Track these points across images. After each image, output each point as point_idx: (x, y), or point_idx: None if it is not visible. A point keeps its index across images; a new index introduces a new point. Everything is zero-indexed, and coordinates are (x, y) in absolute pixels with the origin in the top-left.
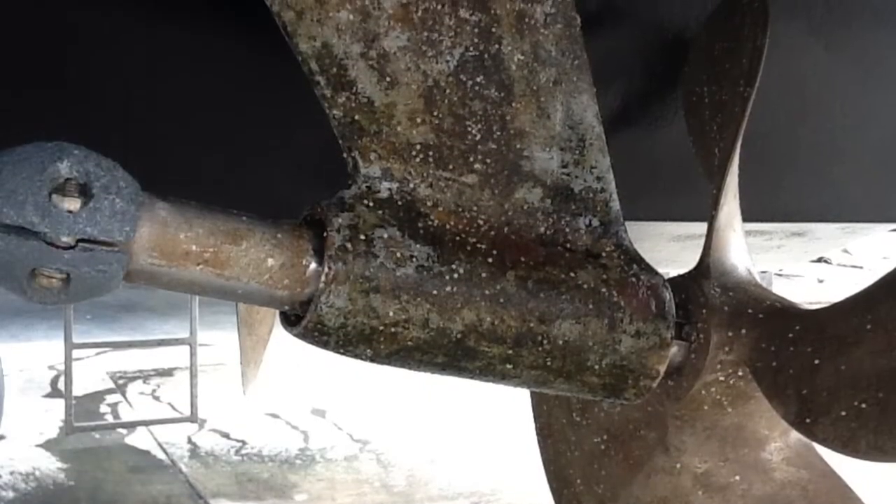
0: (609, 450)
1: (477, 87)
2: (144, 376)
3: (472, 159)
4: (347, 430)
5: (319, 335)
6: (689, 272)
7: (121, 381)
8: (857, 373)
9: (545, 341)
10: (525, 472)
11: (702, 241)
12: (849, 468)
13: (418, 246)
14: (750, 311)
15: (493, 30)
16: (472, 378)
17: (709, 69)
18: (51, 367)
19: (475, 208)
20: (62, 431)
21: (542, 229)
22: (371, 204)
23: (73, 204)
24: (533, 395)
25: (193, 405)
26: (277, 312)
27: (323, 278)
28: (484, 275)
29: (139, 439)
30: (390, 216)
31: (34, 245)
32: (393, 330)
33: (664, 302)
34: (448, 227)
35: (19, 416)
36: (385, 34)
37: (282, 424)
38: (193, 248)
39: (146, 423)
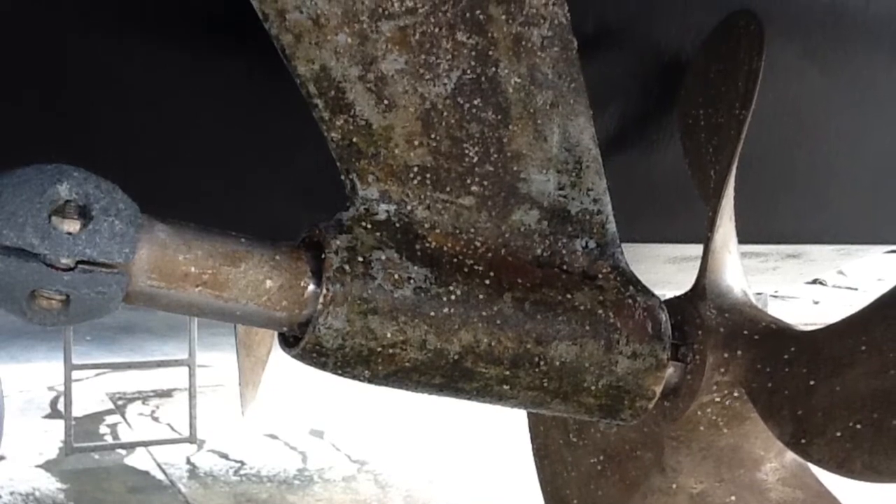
0: (605, 470)
1: (474, 110)
2: (143, 397)
3: (469, 181)
4: (345, 450)
5: (318, 356)
6: (686, 294)
7: (120, 402)
8: (852, 394)
9: (542, 362)
10: (522, 493)
11: (698, 263)
12: (843, 489)
13: (416, 268)
14: (745, 332)
15: (490, 53)
16: (469, 399)
17: (705, 92)
18: (50, 388)
19: (472, 230)
20: (62, 452)
21: (539, 251)
22: (369, 226)
23: (72, 226)
24: (530, 415)
25: (192, 426)
26: (276, 334)
27: (321, 300)
28: (481, 296)
29: (138, 460)
30: (388, 238)
31: (34, 267)
32: (391, 351)
33: (660, 323)
34: (445, 248)
35: (19, 437)
36: (383, 57)
37: (280, 445)
38: (192, 269)
39: (145, 444)
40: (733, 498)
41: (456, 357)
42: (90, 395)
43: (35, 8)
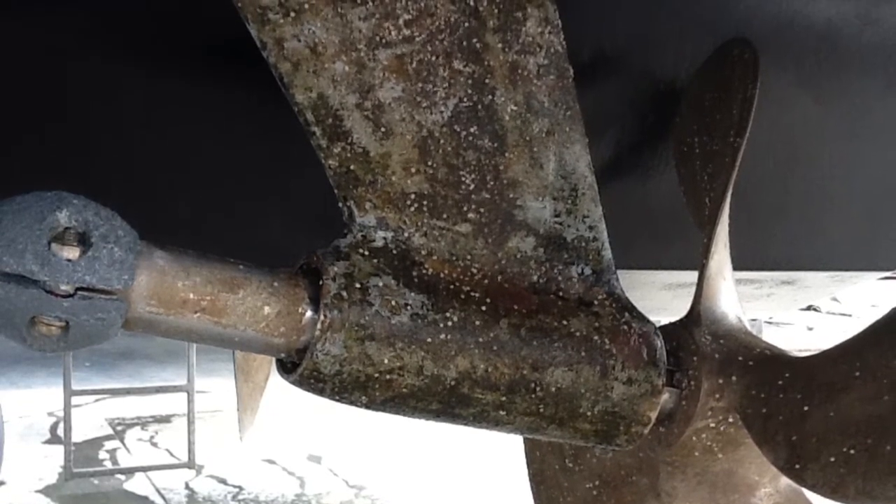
0: (601, 495)
1: (471, 138)
2: (143, 423)
3: (465, 209)
4: (343, 475)
5: (315, 382)
6: (680, 320)
7: (119, 428)
8: (846, 419)
9: (538, 388)
10: None
11: (693, 290)
12: None
13: (413, 294)
14: (740, 358)
15: (487, 81)
16: (466, 425)
17: (699, 120)
18: (50, 414)
19: (469, 257)
20: (61, 477)
21: (535, 278)
22: (366, 253)
23: (72, 253)
24: (526, 441)
25: (191, 451)
26: (274, 360)
27: (319, 326)
28: (477, 323)
29: (137, 485)
30: (385, 265)
31: (34, 293)
32: (388, 377)
33: (655, 349)
34: (442, 275)
35: (19, 462)
36: (380, 85)
37: (278, 470)
38: (191, 296)
39: (144, 469)
40: None
41: (452, 383)
42: (89, 420)
43: (36, 34)
